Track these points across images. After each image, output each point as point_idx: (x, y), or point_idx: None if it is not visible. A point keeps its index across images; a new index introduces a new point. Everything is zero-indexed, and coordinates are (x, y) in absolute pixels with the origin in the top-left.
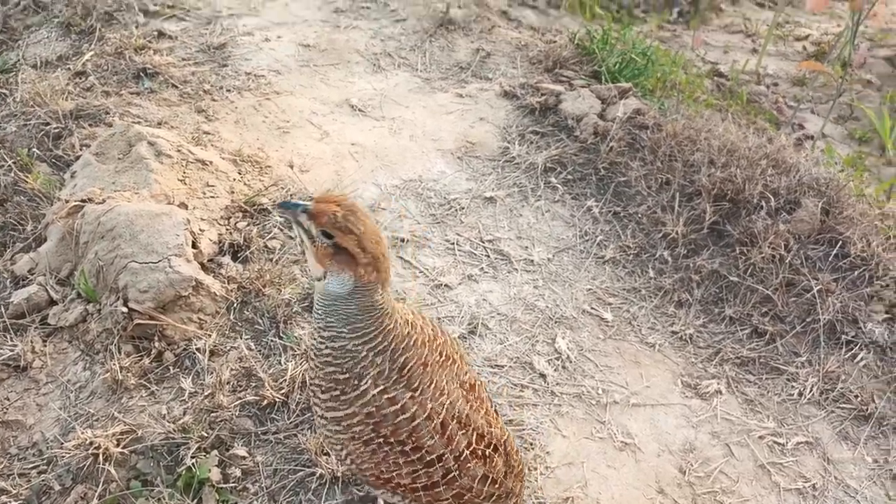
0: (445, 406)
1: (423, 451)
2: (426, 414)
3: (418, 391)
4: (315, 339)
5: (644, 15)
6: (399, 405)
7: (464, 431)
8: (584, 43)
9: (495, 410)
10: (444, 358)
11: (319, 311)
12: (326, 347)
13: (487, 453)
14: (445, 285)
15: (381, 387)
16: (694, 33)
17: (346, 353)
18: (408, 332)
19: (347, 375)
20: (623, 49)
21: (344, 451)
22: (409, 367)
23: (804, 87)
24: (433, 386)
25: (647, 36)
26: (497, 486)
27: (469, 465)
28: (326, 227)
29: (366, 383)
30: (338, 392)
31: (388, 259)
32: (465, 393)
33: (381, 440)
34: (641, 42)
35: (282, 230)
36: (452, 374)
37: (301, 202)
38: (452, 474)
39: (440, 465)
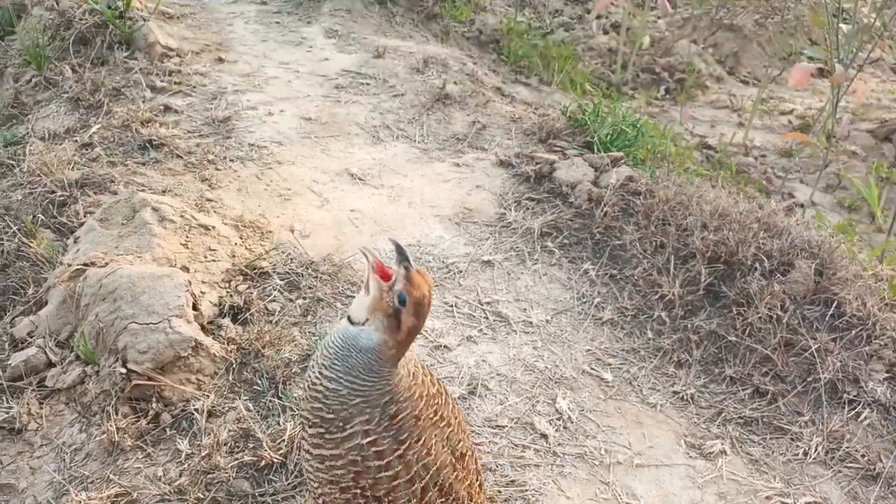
0: (431, 471)
1: None
2: (409, 476)
3: (406, 444)
4: (314, 371)
5: (632, 92)
6: (384, 461)
7: (443, 500)
8: (575, 115)
9: (480, 484)
10: (438, 417)
11: (330, 352)
12: (321, 384)
13: None
14: (445, 346)
15: (371, 436)
16: (681, 108)
17: (337, 396)
18: (409, 385)
19: (333, 416)
20: (614, 121)
21: (319, 489)
22: (400, 416)
23: (791, 158)
24: (421, 443)
25: (636, 111)
26: None
27: None
28: (410, 300)
29: (353, 427)
30: (323, 430)
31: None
32: (453, 461)
33: (357, 491)
34: (631, 116)
35: (282, 293)
36: (444, 436)
37: (411, 262)
38: None
39: None
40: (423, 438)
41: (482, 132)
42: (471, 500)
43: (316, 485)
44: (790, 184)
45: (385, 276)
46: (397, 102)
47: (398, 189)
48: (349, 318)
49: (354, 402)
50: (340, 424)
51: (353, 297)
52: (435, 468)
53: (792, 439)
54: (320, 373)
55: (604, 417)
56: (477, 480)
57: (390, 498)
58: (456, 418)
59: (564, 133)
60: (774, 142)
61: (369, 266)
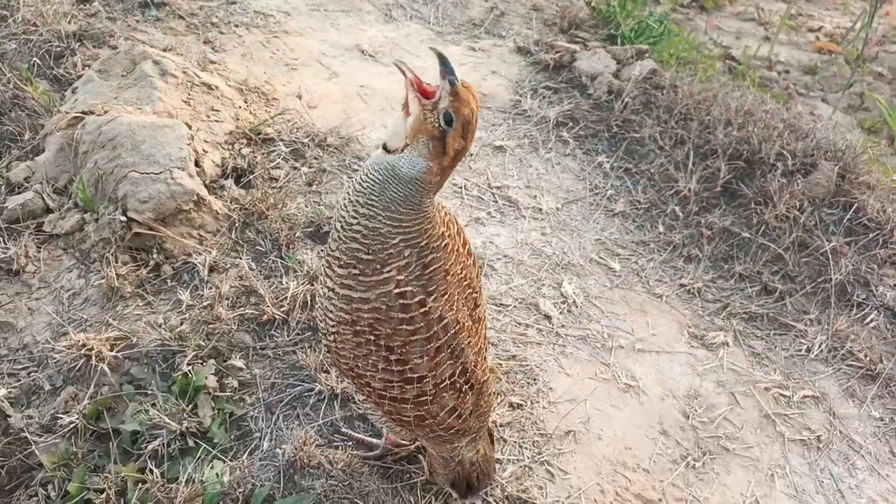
0: (449, 333)
1: (407, 367)
2: (428, 335)
3: (432, 296)
4: (347, 211)
5: None
6: (408, 315)
7: (452, 362)
8: (599, 6)
9: (485, 352)
10: (463, 276)
11: (364, 186)
12: (358, 223)
13: (464, 389)
14: None
15: (402, 287)
16: (708, 16)
17: (377, 234)
18: (442, 233)
19: (371, 257)
20: (640, 16)
21: (335, 328)
22: (433, 268)
23: (815, 76)
24: (446, 298)
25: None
26: (461, 420)
27: (445, 394)
28: (457, 117)
29: (389, 271)
30: (357, 272)
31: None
32: (470, 324)
33: (371, 337)
34: (657, 13)
35: (286, 160)
36: (465, 296)
37: (456, 76)
38: (425, 398)
39: (418, 385)
40: (448, 294)
41: (500, 19)
42: (475, 366)
43: (333, 324)
44: (812, 101)
45: (426, 93)
46: None
47: (412, 67)
48: (384, 146)
49: (395, 241)
50: (377, 267)
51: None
52: (453, 331)
53: (796, 336)
54: (356, 211)
55: (608, 304)
56: (484, 345)
57: (402, 351)
58: (479, 281)
59: (587, 24)
60: (799, 58)
61: (407, 83)
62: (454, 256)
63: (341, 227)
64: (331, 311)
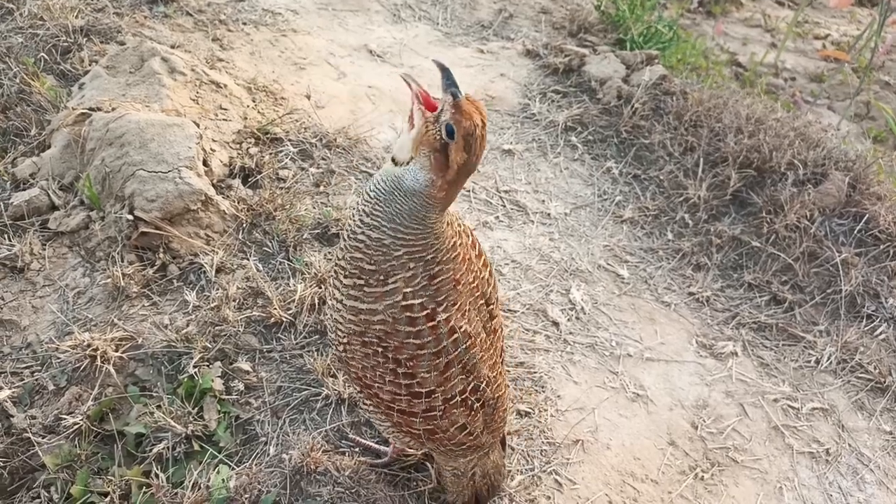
0: (459, 348)
1: (415, 381)
2: (437, 349)
3: (442, 306)
4: (354, 220)
5: (665, 1)
6: (415, 328)
7: (463, 377)
8: (608, 11)
9: (502, 363)
10: (475, 286)
11: (371, 196)
12: (363, 233)
13: (475, 407)
14: None
15: (409, 299)
16: (716, 21)
17: (380, 246)
18: (454, 244)
19: (374, 268)
20: (648, 20)
21: (345, 338)
22: (441, 279)
23: (822, 83)
24: (456, 308)
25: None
26: (472, 437)
27: (455, 410)
28: (458, 130)
29: (394, 283)
30: (362, 282)
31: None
32: (484, 336)
33: (380, 349)
34: (665, 18)
35: (294, 161)
36: (477, 306)
37: (459, 88)
38: (434, 413)
39: (426, 399)
40: (459, 304)
41: (509, 21)
42: (489, 382)
43: (343, 334)
44: (818, 109)
45: (430, 106)
46: None
47: (418, 69)
48: (393, 158)
49: (398, 254)
50: (381, 278)
51: (369, 172)
52: (464, 346)
53: (805, 347)
54: (361, 220)
55: (617, 312)
56: (501, 359)
57: (411, 364)
58: (494, 290)
59: (596, 28)
60: (806, 65)
61: (413, 95)
62: (465, 266)
63: (347, 236)
64: (340, 322)
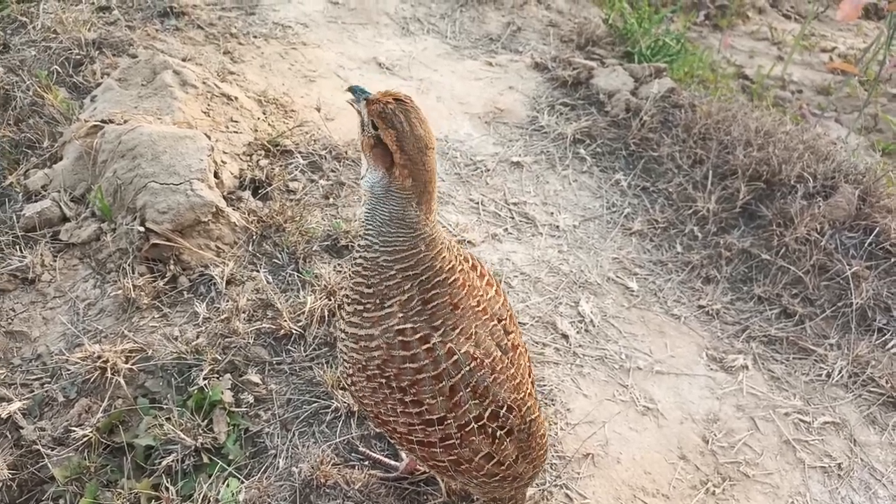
0: (462, 370)
1: (423, 408)
2: (436, 372)
3: (439, 331)
4: (356, 246)
5: (671, 14)
6: (409, 352)
7: (477, 402)
8: (616, 24)
9: (532, 383)
10: (482, 310)
11: (364, 216)
12: (360, 256)
13: (498, 435)
14: (469, 242)
15: (404, 323)
16: (723, 34)
17: (375, 265)
18: (450, 268)
19: (371, 291)
20: (657, 34)
21: (353, 374)
22: (436, 302)
23: (829, 96)
24: (457, 332)
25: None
26: (503, 468)
27: (473, 438)
28: (374, 117)
29: (391, 306)
30: (361, 307)
31: (434, 181)
32: (499, 356)
33: (384, 380)
34: (673, 32)
35: (304, 173)
36: (488, 329)
37: (368, 91)
38: (452, 441)
39: (440, 427)
40: (461, 328)
41: (517, 34)
42: (512, 407)
43: (349, 366)
44: (826, 122)
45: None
46: None
47: (427, 82)
48: (361, 176)
49: (393, 273)
50: (378, 301)
51: None
52: (468, 368)
53: (816, 361)
54: (358, 244)
55: (626, 324)
56: (530, 378)
57: (414, 390)
58: (508, 311)
59: (604, 41)
60: (813, 78)
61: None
62: (465, 291)
63: (352, 264)
64: (345, 354)
